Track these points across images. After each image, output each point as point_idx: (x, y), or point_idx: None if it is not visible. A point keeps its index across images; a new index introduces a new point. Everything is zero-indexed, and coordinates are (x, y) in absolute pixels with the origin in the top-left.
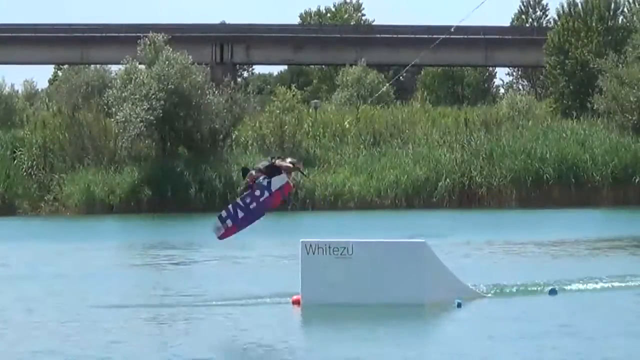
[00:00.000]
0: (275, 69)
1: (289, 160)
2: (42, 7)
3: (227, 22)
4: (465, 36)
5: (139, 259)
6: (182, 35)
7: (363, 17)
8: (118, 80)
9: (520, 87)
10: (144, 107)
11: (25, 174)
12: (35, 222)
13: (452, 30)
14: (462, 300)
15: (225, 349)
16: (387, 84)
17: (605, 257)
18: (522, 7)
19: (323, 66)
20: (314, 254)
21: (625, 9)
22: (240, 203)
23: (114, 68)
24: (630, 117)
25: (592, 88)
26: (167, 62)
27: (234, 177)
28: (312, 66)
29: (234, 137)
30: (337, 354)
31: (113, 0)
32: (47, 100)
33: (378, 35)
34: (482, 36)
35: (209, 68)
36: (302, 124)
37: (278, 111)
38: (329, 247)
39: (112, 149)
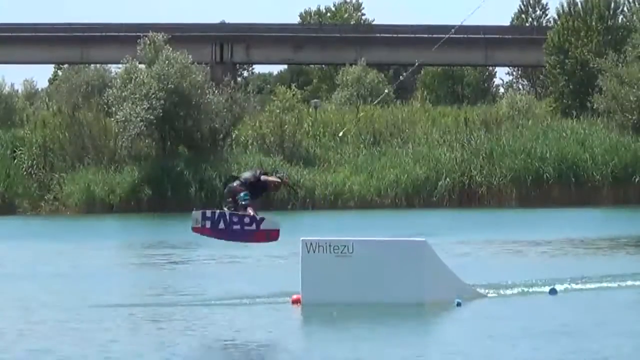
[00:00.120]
0: (275, 69)
1: (278, 175)
2: (42, 6)
3: (227, 21)
4: (465, 36)
5: (139, 259)
6: (182, 35)
7: (363, 17)
8: (118, 80)
9: (520, 86)
10: (144, 106)
11: (25, 173)
12: (36, 221)
13: (453, 31)
14: (462, 299)
15: (225, 348)
16: (392, 86)
17: (605, 257)
18: (522, 7)
19: (323, 66)
20: (314, 252)
21: (625, 8)
22: (227, 216)
23: (114, 67)
24: (630, 117)
25: (592, 87)
26: (167, 62)
27: None
28: (312, 66)
29: (234, 136)
30: (337, 353)
31: (113, 0)
32: (47, 100)
33: (378, 35)
34: (482, 35)
35: (208, 67)
36: (302, 123)
37: (278, 111)
38: (330, 246)
39: (112, 148)
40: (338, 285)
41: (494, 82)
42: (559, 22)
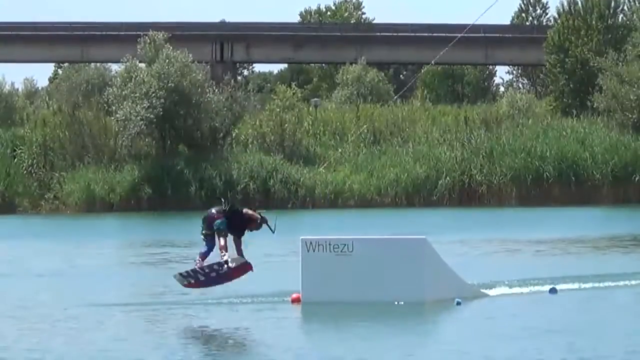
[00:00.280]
0: (276, 67)
1: (258, 213)
2: (42, 5)
3: (227, 20)
4: (466, 34)
5: (139, 257)
6: (182, 34)
7: (363, 16)
8: (118, 79)
9: (520, 85)
10: (144, 105)
11: (25, 172)
12: (36, 220)
13: (466, 30)
14: (461, 298)
15: (225, 348)
16: (405, 87)
17: (605, 256)
18: (522, 6)
19: (323, 64)
20: (314, 251)
21: (625, 7)
22: (200, 270)
23: (114, 66)
24: (630, 116)
25: (592, 86)
26: (167, 61)
27: (234, 175)
28: (312, 64)
29: (234, 135)
30: (336, 353)
31: None
32: (47, 99)
33: (378, 34)
34: (482, 34)
35: (209, 66)
36: (302, 122)
37: (278, 109)
38: (329, 245)
39: (112, 147)
40: (338, 284)
41: (494, 81)
42: (559, 21)
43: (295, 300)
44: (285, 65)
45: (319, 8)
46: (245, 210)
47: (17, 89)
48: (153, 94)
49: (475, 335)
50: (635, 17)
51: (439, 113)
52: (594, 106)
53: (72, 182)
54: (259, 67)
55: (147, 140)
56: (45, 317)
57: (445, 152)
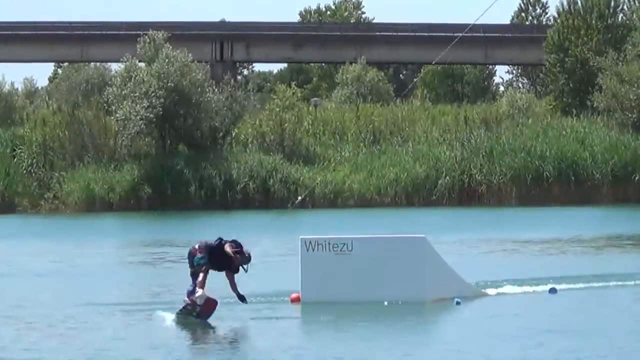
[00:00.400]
0: (275, 67)
1: (234, 251)
2: (42, 5)
3: (227, 19)
4: (465, 34)
5: (139, 257)
6: (182, 33)
7: (363, 15)
8: (118, 78)
9: (520, 85)
10: (144, 105)
11: (25, 171)
12: (35, 220)
13: (468, 28)
14: (461, 298)
15: (224, 347)
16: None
17: (605, 255)
18: (522, 5)
19: (323, 64)
20: (313, 250)
21: (625, 7)
22: (189, 308)
23: (114, 66)
24: (630, 115)
25: (591, 86)
26: (167, 60)
27: (234, 175)
28: (312, 64)
29: (234, 135)
30: (336, 352)
31: None
32: (47, 98)
33: (378, 33)
34: (482, 34)
35: (208, 66)
36: (302, 121)
37: (278, 109)
38: (329, 244)
39: (112, 146)
40: (338, 284)
41: (493, 80)
42: (559, 21)
43: (295, 300)
44: (285, 64)
45: (318, 7)
46: (226, 246)
47: (17, 89)
48: (153, 94)
49: (475, 335)
50: (635, 16)
51: (439, 113)
52: (594, 106)
53: (71, 182)
54: (258, 67)
55: (146, 139)
56: (44, 317)
57: (445, 151)
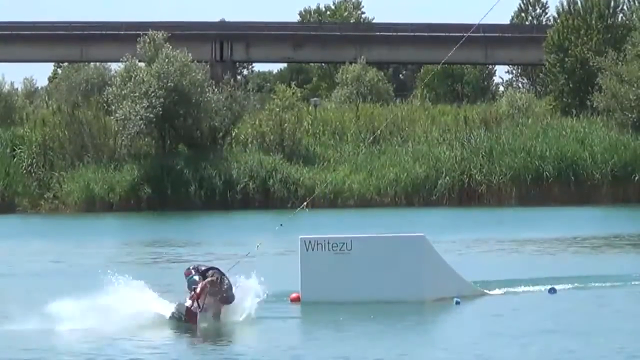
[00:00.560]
0: (275, 67)
1: (194, 287)
2: (42, 4)
3: (226, 19)
4: (465, 34)
5: (138, 257)
6: (182, 33)
7: (363, 15)
8: (118, 78)
9: (520, 85)
10: (144, 104)
11: (25, 171)
12: (35, 220)
13: (473, 29)
14: (460, 297)
15: (224, 347)
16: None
17: (604, 255)
18: (522, 5)
19: (323, 64)
20: (313, 250)
21: (625, 7)
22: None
23: (114, 66)
24: (629, 115)
25: (591, 86)
26: (166, 60)
27: (234, 175)
28: (312, 64)
29: (233, 134)
30: (336, 352)
31: None
32: (46, 98)
33: (378, 33)
34: (482, 34)
35: (208, 66)
36: (301, 121)
37: (278, 109)
38: (328, 243)
39: (112, 146)
40: (337, 283)
41: (493, 80)
42: (558, 21)
43: (295, 300)
44: (285, 64)
45: (318, 7)
46: (204, 282)
47: (17, 89)
48: (153, 94)
49: (474, 335)
50: (634, 16)
51: (439, 113)
52: (594, 106)
53: (71, 182)
54: (258, 67)
55: (146, 139)
56: (43, 316)
57: (445, 151)
